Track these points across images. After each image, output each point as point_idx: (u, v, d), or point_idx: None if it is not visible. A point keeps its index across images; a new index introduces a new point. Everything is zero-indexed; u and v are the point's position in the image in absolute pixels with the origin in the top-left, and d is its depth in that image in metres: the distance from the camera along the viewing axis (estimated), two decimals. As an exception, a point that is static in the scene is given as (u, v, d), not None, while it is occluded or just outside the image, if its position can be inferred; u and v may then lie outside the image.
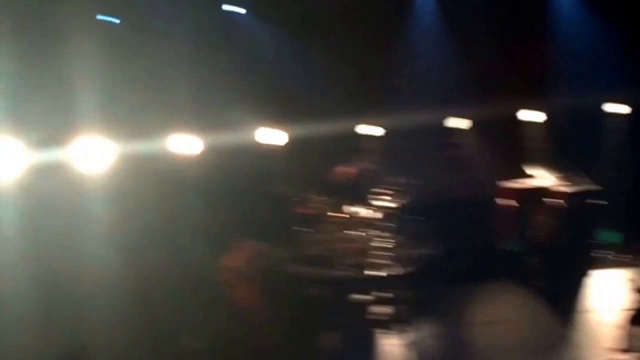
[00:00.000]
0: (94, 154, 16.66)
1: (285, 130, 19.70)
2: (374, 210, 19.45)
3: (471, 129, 21.02)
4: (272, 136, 19.64)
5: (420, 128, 20.80)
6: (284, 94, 20.47)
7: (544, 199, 18.94)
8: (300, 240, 19.24)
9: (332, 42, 20.48)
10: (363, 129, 20.77)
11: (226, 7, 20.90)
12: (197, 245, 17.45)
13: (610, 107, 20.82)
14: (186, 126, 18.73)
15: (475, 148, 21.21)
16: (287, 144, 19.78)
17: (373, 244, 19.15)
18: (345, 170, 19.99)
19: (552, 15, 21.44)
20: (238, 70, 20.23)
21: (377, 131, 20.83)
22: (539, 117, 21.15)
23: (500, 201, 19.33)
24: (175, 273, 17.22)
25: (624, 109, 20.90)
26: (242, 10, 20.97)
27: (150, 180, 17.76)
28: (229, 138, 18.66)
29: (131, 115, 17.91)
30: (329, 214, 19.40)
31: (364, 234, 19.22)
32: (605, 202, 18.71)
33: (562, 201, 18.73)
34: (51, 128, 16.45)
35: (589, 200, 18.70)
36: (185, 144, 18.60)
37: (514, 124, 21.11)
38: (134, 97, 18.43)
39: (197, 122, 18.88)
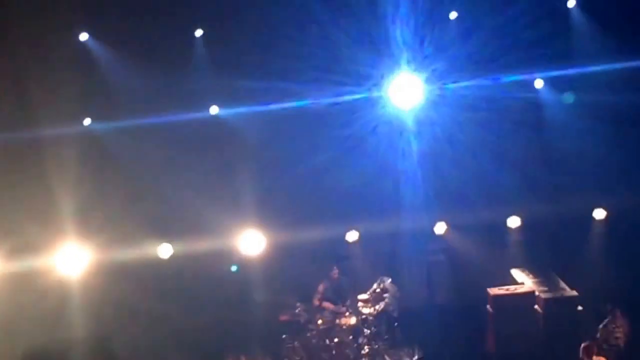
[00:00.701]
0: (72, 261, 16.59)
1: (266, 236, 19.56)
2: (358, 316, 19.18)
3: (453, 233, 20.96)
4: (253, 241, 19.56)
5: (403, 232, 20.77)
6: (264, 197, 20.28)
7: (528, 305, 18.69)
8: (284, 348, 18.88)
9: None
10: (346, 234, 20.72)
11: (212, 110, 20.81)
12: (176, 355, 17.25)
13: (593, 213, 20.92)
14: (165, 232, 18.65)
15: (459, 253, 21.13)
16: (267, 250, 19.68)
17: (356, 350, 18.93)
18: (329, 277, 19.86)
19: (538, 121, 21.50)
20: (218, 173, 20.15)
21: (357, 236, 20.78)
22: (519, 221, 21.26)
23: (486, 306, 19.09)
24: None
25: (602, 213, 20.98)
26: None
27: (129, 287, 17.64)
28: (208, 244, 18.51)
29: (110, 222, 17.85)
30: (313, 320, 19.12)
31: (347, 340, 18.96)
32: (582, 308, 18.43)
33: (542, 307, 18.51)
34: (28, 236, 16.41)
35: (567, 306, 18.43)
36: (165, 250, 18.53)
37: (494, 229, 21.12)
38: (111, 204, 18.40)
39: (176, 227, 18.78)
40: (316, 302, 19.49)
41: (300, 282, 20.12)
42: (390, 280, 19.76)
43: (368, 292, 19.52)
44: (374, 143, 20.86)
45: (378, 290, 19.51)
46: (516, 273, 19.76)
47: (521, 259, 20.67)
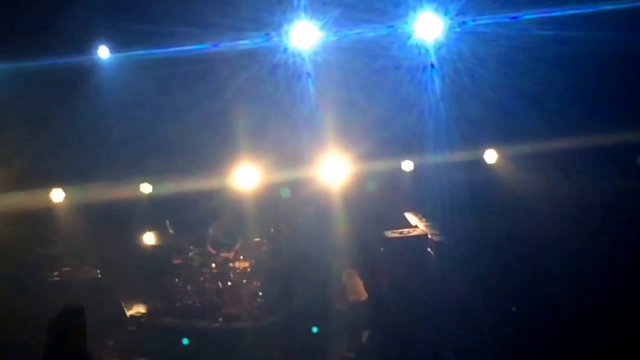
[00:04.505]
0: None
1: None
2: (251, 260, 19.78)
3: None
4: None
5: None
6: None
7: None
8: (177, 292, 19.69)
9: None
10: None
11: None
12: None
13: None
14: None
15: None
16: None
17: (243, 293, 19.58)
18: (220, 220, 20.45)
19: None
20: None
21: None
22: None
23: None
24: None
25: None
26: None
27: None
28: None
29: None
30: (206, 264, 19.84)
31: (240, 283, 19.64)
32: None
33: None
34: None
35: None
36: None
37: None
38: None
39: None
40: (208, 247, 20.12)
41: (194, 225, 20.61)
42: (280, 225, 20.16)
43: (260, 237, 20.21)
44: (397, 78, 21.07)
45: (270, 234, 20.03)
46: (410, 216, 19.41)
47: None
